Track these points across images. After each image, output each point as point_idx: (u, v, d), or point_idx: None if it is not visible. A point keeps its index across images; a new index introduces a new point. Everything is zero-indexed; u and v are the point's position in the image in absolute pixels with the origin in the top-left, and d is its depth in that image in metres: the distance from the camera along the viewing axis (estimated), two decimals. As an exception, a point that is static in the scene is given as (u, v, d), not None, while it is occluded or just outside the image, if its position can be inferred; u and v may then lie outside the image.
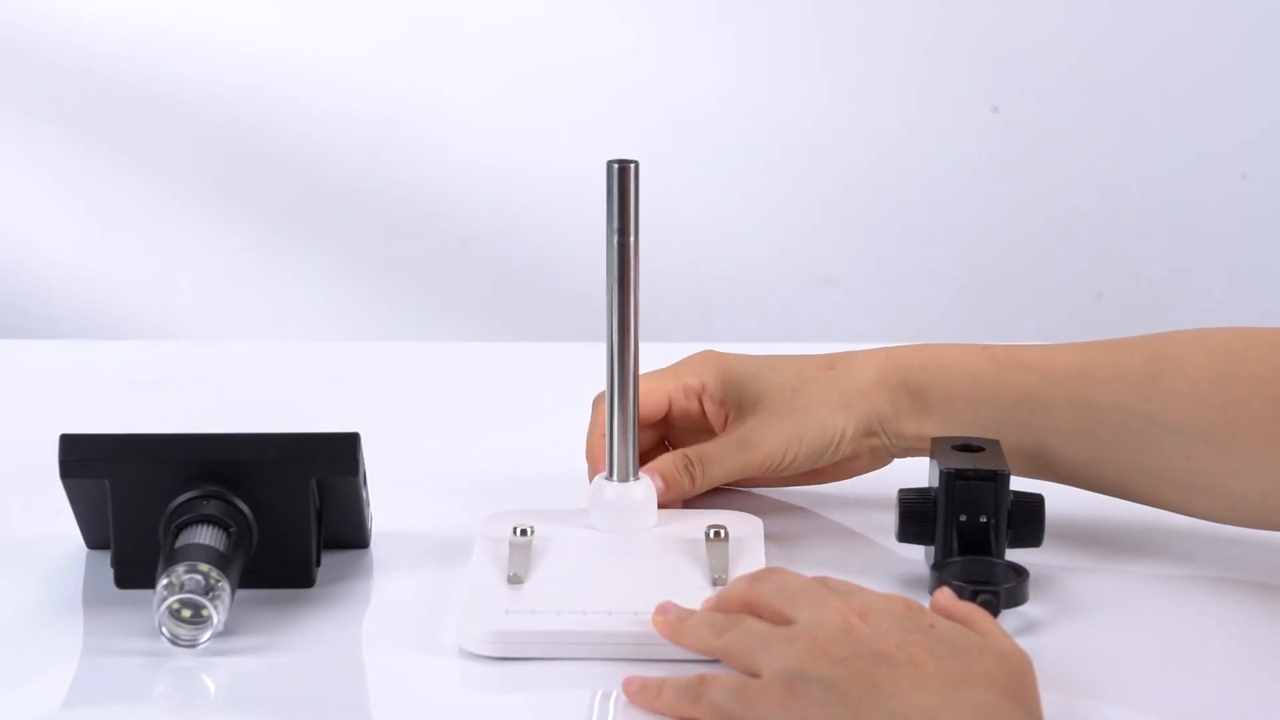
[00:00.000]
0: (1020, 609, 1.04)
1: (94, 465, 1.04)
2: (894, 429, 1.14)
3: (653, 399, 1.15)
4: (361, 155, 2.88)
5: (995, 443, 1.10)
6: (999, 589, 1.02)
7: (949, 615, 0.95)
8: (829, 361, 1.16)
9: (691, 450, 1.14)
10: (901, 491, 1.08)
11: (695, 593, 1.02)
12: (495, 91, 2.86)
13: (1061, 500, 1.13)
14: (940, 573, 1.04)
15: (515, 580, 1.04)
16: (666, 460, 1.14)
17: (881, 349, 1.16)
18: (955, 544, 1.06)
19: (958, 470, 1.06)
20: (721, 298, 2.84)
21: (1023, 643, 0.95)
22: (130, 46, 2.86)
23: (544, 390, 1.45)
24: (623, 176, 1.06)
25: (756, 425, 1.14)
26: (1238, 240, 2.88)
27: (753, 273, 2.86)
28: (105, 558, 1.07)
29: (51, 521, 1.12)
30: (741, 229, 2.85)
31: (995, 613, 1.01)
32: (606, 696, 0.96)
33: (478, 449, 1.32)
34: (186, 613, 0.98)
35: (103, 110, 2.87)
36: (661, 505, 1.12)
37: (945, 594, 0.98)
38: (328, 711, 0.96)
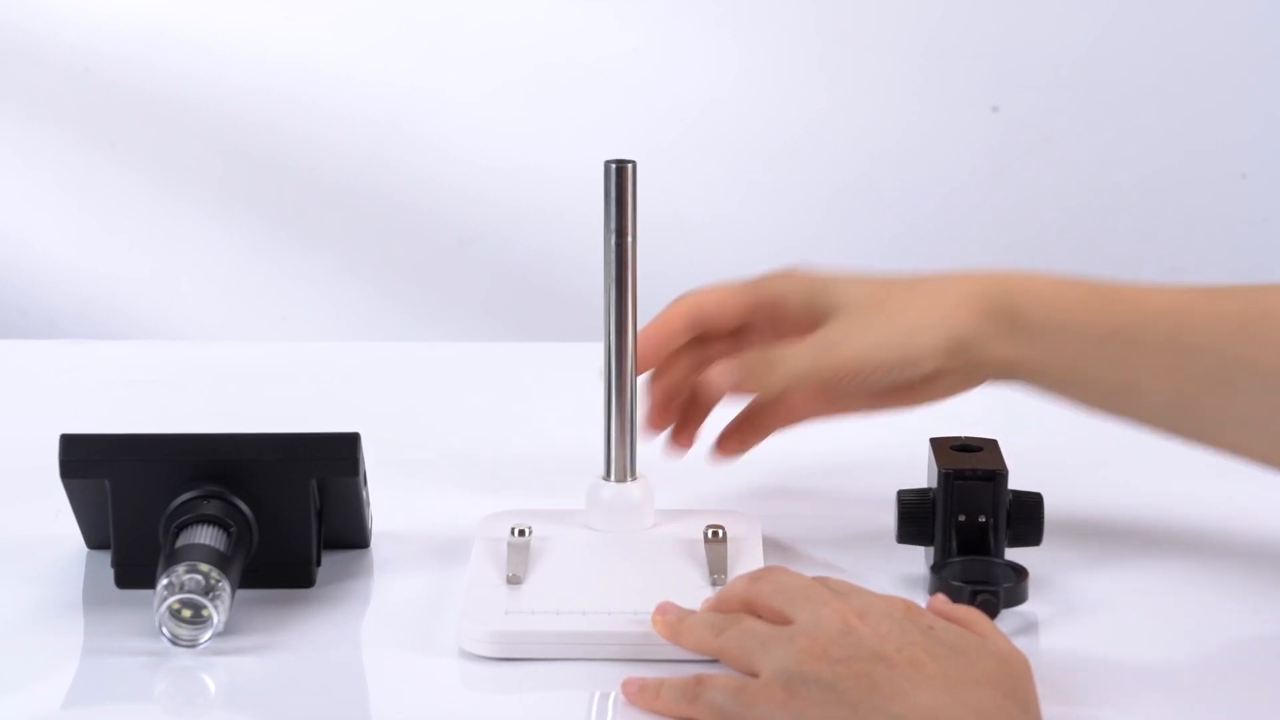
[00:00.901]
0: (1020, 609, 1.04)
1: (94, 465, 1.04)
2: (982, 349, 1.10)
3: (728, 309, 1.12)
4: (361, 155, 2.88)
5: (993, 442, 1.10)
6: (998, 589, 1.02)
7: (947, 617, 0.95)
8: (915, 280, 1.12)
9: (770, 350, 1.11)
10: (900, 492, 1.08)
11: (693, 593, 1.02)
12: (495, 91, 2.86)
13: (1062, 500, 1.13)
14: (940, 573, 1.04)
15: (514, 581, 1.04)
16: (739, 359, 1.10)
17: (970, 272, 1.13)
18: (954, 544, 1.06)
19: (956, 470, 1.06)
20: (721, 298, 2.84)
21: (1022, 643, 0.95)
22: (130, 46, 2.86)
23: (544, 390, 1.45)
24: (620, 177, 1.06)
25: (839, 328, 1.10)
26: (1237, 240, 2.88)
27: (752, 273, 2.86)
28: (105, 558, 1.07)
29: (51, 521, 1.12)
30: (741, 229, 2.85)
31: (995, 613, 1.01)
32: (606, 696, 0.96)
33: (478, 449, 1.32)
34: (187, 613, 0.99)
35: (103, 110, 2.87)
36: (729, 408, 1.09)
37: (941, 598, 0.98)
38: (328, 711, 0.96)
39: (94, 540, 1.10)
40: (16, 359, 1.56)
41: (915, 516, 1.07)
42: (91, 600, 1.06)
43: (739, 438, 1.17)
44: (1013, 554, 1.06)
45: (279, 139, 2.88)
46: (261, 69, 2.86)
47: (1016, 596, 1.03)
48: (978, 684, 0.89)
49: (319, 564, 1.08)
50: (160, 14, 2.86)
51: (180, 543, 1.01)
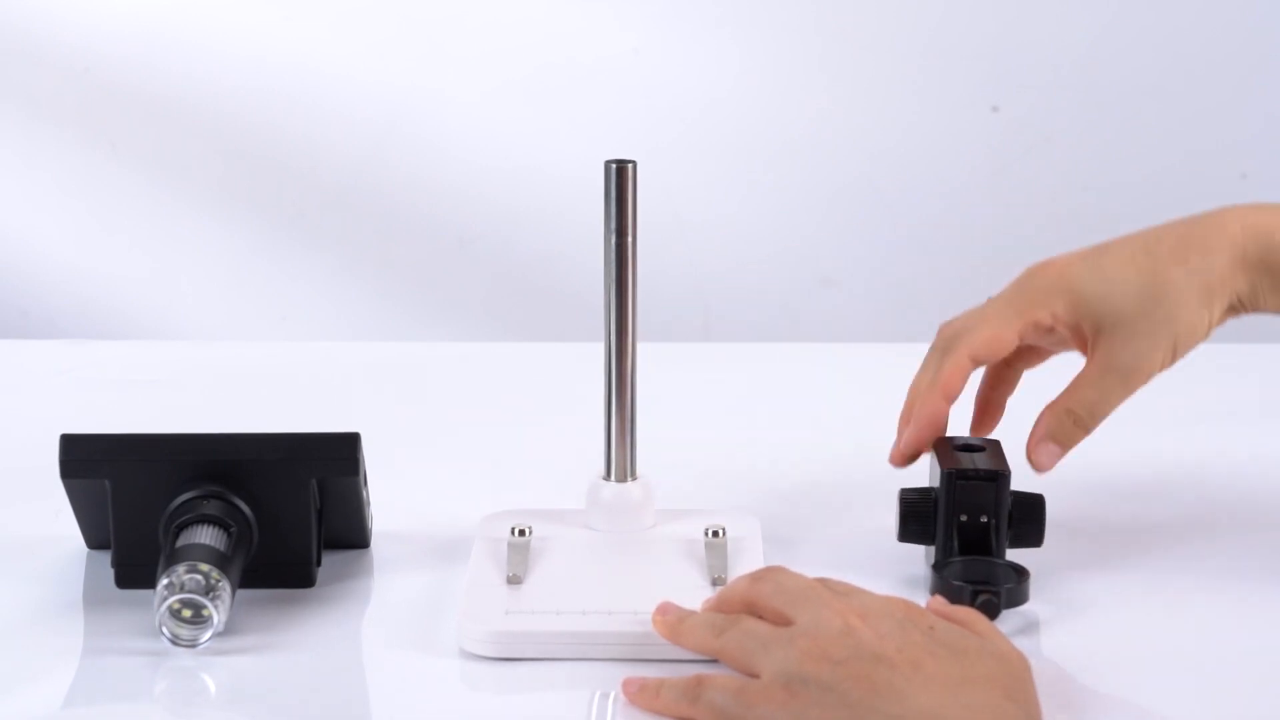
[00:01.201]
0: (1021, 609, 1.04)
1: (94, 465, 1.04)
2: (1253, 305, 1.08)
3: (1002, 341, 1.09)
4: (361, 155, 2.88)
5: (996, 442, 1.10)
6: (1000, 589, 1.02)
7: (947, 617, 0.95)
8: (1182, 249, 1.08)
9: (1074, 403, 1.08)
10: (902, 491, 1.08)
11: (694, 593, 1.02)
12: (495, 91, 2.86)
13: (1063, 501, 1.13)
14: (941, 573, 1.04)
15: (514, 580, 1.04)
16: (1053, 422, 1.08)
17: (1235, 213, 1.09)
18: (955, 544, 1.06)
19: (959, 471, 1.06)
20: (721, 298, 2.84)
21: (1022, 643, 0.95)
22: (130, 46, 2.86)
23: (544, 390, 1.45)
24: (620, 177, 1.06)
25: (1129, 350, 1.07)
26: (1237, 240, 2.88)
27: (753, 273, 2.86)
28: (105, 558, 1.07)
29: (51, 521, 1.12)
30: (741, 229, 2.85)
31: (996, 613, 1.01)
32: (606, 696, 0.96)
33: (478, 449, 1.32)
34: (187, 613, 0.99)
35: (103, 110, 2.87)
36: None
37: (940, 599, 0.98)
38: (328, 711, 0.96)
39: (94, 540, 1.10)
40: (16, 359, 1.56)
41: (917, 516, 1.07)
42: (91, 600, 1.06)
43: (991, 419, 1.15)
44: (1013, 554, 1.06)
45: (279, 139, 2.88)
46: (261, 69, 2.86)
47: (1017, 597, 1.03)
48: (978, 684, 0.89)
49: (319, 564, 1.08)
50: (160, 14, 2.86)
51: (180, 543, 1.01)
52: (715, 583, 1.04)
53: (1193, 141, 2.85)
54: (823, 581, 0.98)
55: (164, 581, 0.98)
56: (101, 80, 2.86)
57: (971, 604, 0.99)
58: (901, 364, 1.54)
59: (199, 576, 0.99)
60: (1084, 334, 1.08)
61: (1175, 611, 1.06)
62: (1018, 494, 1.07)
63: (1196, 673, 1.00)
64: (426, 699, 0.97)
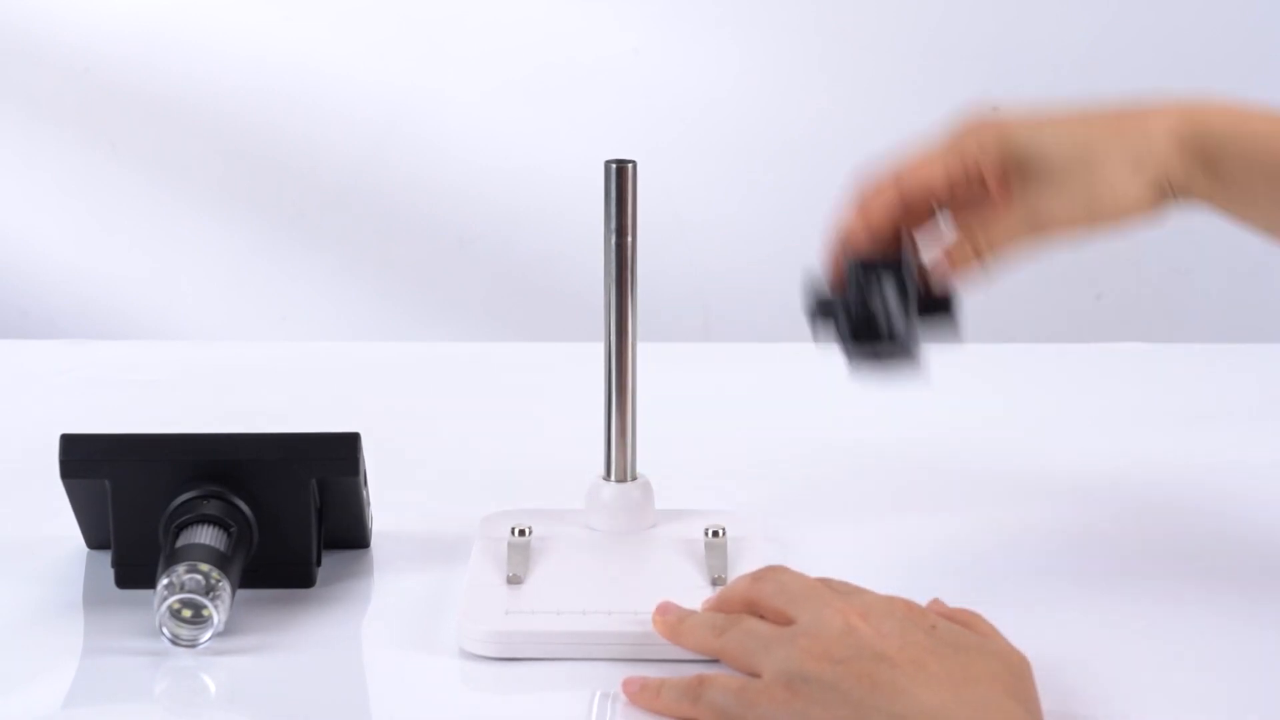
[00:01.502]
0: (1020, 611, 1.04)
1: (94, 465, 1.04)
2: (1184, 191, 1.07)
3: (928, 174, 1.09)
4: (361, 155, 2.88)
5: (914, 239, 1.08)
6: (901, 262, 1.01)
7: (948, 617, 0.95)
8: (1118, 121, 1.08)
9: (981, 234, 1.07)
10: (812, 284, 1.07)
11: (694, 592, 1.02)
12: (495, 91, 2.86)
13: (1062, 500, 1.13)
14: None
15: (514, 580, 1.04)
16: (953, 246, 1.08)
17: (1175, 99, 1.09)
18: (858, 324, 1.05)
19: (864, 260, 1.05)
20: (721, 298, 2.84)
21: (1021, 643, 0.95)
22: (130, 46, 2.86)
23: (544, 390, 1.45)
24: (620, 177, 1.06)
25: (1043, 199, 1.07)
26: (1238, 240, 2.87)
27: (753, 273, 2.86)
28: (105, 558, 1.07)
29: (51, 521, 1.12)
30: (741, 229, 2.85)
31: (903, 295, 1.01)
32: (606, 696, 0.96)
33: (478, 449, 1.32)
34: (187, 613, 0.98)
35: (103, 110, 2.87)
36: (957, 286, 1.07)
37: (940, 601, 0.98)
38: (328, 711, 0.96)
39: (94, 540, 1.10)
40: (16, 359, 1.56)
41: (824, 308, 1.06)
42: (91, 600, 1.06)
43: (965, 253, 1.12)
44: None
45: (279, 139, 2.88)
46: (261, 69, 2.86)
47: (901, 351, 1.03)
48: (979, 683, 0.89)
49: (319, 564, 1.08)
50: (160, 14, 2.86)
51: (180, 543, 1.01)
52: (715, 583, 1.04)
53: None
54: (824, 581, 0.98)
55: (164, 581, 0.98)
56: (101, 80, 2.86)
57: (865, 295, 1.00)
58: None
59: (199, 576, 0.99)
60: (1008, 182, 1.07)
61: (1176, 612, 1.06)
62: (930, 289, 1.06)
63: (1197, 672, 1.00)
64: (426, 699, 0.97)
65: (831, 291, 1.06)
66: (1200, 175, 1.06)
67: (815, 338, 1.06)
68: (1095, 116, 1.09)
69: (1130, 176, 1.06)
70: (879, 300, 1.04)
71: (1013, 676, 0.91)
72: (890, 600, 0.95)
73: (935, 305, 1.06)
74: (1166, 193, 1.07)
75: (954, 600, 0.99)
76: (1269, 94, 2.96)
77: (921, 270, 1.06)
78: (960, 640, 0.92)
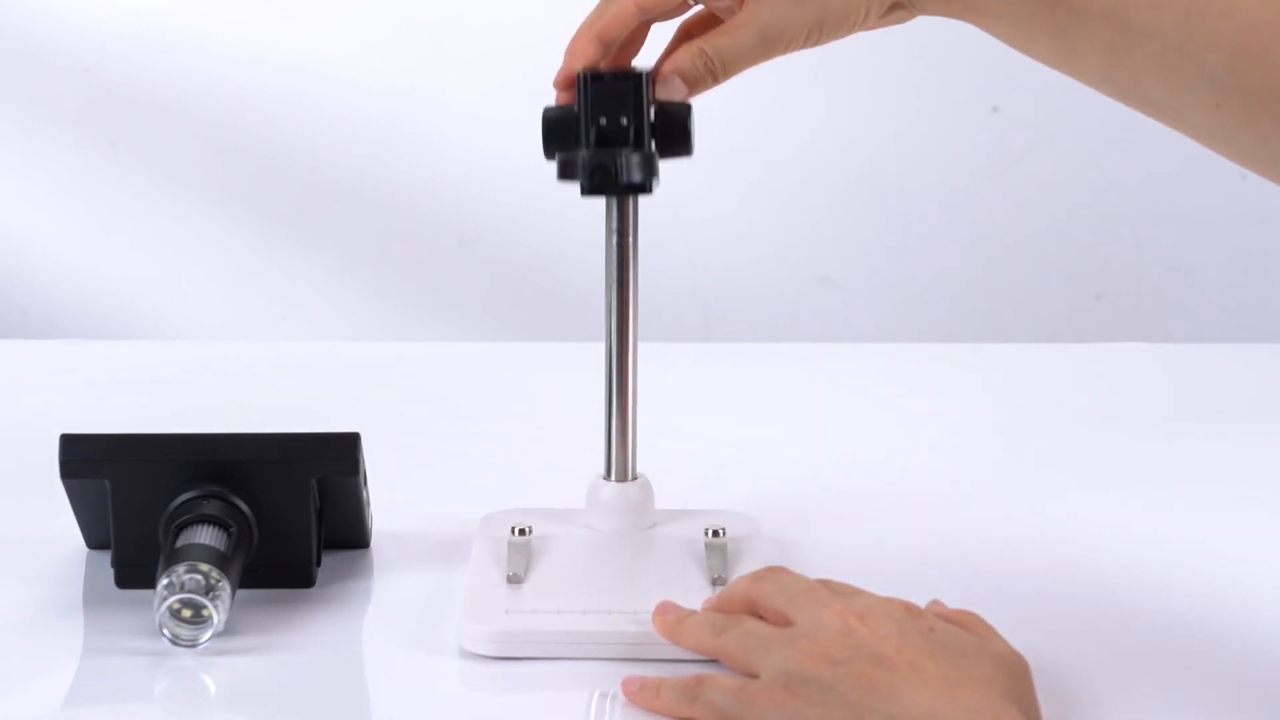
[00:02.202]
0: (1021, 615, 1.04)
1: (94, 465, 1.04)
2: (919, 5, 1.07)
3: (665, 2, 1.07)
4: (361, 155, 2.88)
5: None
6: (620, 154, 1.00)
7: (947, 619, 0.95)
8: None
9: (708, 45, 1.06)
10: (545, 109, 1.05)
11: (694, 593, 1.02)
12: (495, 91, 2.86)
13: (1059, 500, 1.13)
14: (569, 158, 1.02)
15: (515, 580, 1.04)
16: (684, 58, 1.06)
17: None
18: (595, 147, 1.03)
19: (594, 72, 1.03)
20: (721, 298, 2.84)
21: (1021, 644, 0.95)
22: (130, 46, 2.86)
23: (544, 390, 1.45)
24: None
25: (774, 11, 1.05)
26: (1238, 240, 2.88)
27: (753, 273, 2.86)
28: (105, 558, 1.07)
29: (51, 521, 1.12)
30: (741, 229, 2.85)
31: (612, 179, 1.00)
32: (606, 696, 0.96)
33: (478, 449, 1.32)
34: (187, 613, 0.99)
35: (103, 110, 2.87)
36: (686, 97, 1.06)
37: (939, 602, 0.98)
38: (328, 711, 0.96)
39: (94, 540, 1.10)
40: (16, 359, 1.56)
41: (558, 128, 1.04)
42: (91, 600, 1.06)
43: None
44: (666, 166, 1.05)
45: (279, 139, 2.88)
46: (261, 69, 2.86)
47: (641, 168, 1.02)
48: (977, 685, 0.89)
49: (319, 564, 1.08)
50: (160, 14, 2.86)
51: (180, 543, 1.01)
52: (715, 583, 1.04)
53: (1193, 142, 2.85)
54: (823, 582, 0.98)
55: (164, 581, 0.98)
56: (101, 80, 2.86)
57: (587, 173, 0.99)
58: (902, 364, 1.54)
59: (199, 576, 0.99)
60: None
61: (1175, 615, 1.06)
62: (663, 102, 1.05)
63: (1196, 670, 1.00)
64: (426, 699, 0.97)
65: (565, 110, 1.04)
66: None
67: (547, 156, 1.05)
68: None
69: None
70: (615, 113, 1.03)
71: (1010, 678, 0.91)
72: (889, 601, 0.95)
73: (669, 120, 1.04)
74: (901, 6, 1.07)
75: (954, 602, 0.99)
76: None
77: (652, 82, 1.05)
78: (958, 642, 0.92)
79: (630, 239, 1.07)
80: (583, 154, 1.01)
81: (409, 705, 0.97)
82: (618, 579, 1.05)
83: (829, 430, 1.37)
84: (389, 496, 1.16)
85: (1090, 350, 1.57)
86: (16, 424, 1.36)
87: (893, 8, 1.07)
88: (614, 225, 1.07)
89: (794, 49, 1.06)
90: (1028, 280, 2.89)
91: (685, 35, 1.11)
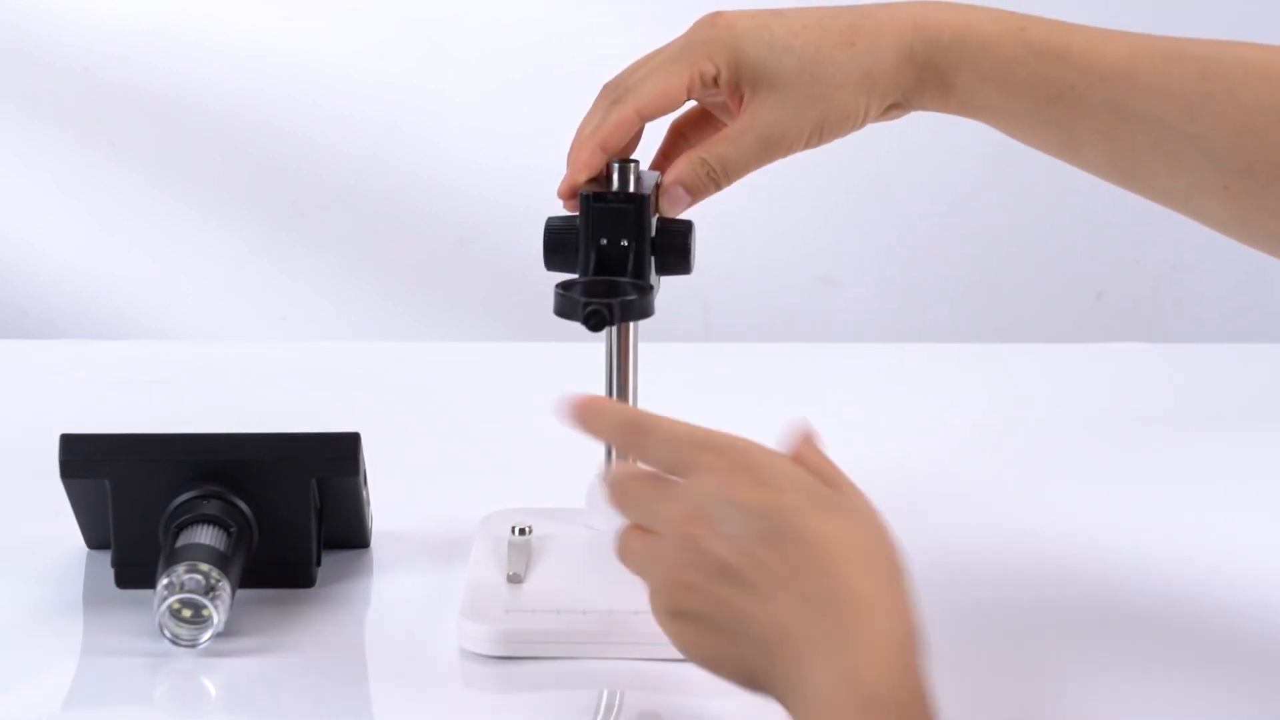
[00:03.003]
0: (1015, 608, 1.04)
1: (94, 465, 1.04)
2: (916, 103, 1.05)
3: (669, 96, 1.05)
4: (361, 155, 2.88)
5: (652, 175, 1.07)
6: (613, 302, 0.99)
7: (802, 462, 0.89)
8: (850, 33, 1.04)
9: (710, 154, 1.06)
10: (548, 220, 1.05)
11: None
12: (495, 91, 2.86)
13: (1054, 499, 1.13)
14: (566, 290, 1.01)
15: (515, 580, 1.04)
16: (686, 169, 1.06)
17: (908, 8, 1.05)
18: (594, 268, 1.03)
19: (596, 194, 1.03)
20: (721, 298, 2.84)
21: (1021, 645, 0.94)
22: (130, 46, 2.86)
23: (544, 390, 1.44)
24: (622, 176, 1.05)
25: (775, 117, 1.05)
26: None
27: (753, 273, 2.86)
28: (105, 558, 1.07)
29: (51, 521, 1.12)
30: (741, 229, 2.85)
31: (603, 324, 0.99)
32: (606, 696, 0.96)
33: (478, 449, 1.32)
34: (187, 613, 0.98)
35: (103, 110, 2.87)
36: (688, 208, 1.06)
37: (807, 442, 0.91)
38: (328, 711, 0.96)
39: (94, 540, 1.10)
40: (16, 359, 1.55)
41: (559, 244, 1.04)
42: (91, 600, 1.06)
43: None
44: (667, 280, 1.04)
45: (279, 139, 2.88)
46: (261, 69, 2.86)
47: (636, 310, 1.01)
48: (829, 571, 0.83)
49: (319, 564, 1.08)
50: (160, 14, 2.86)
51: (180, 543, 1.01)
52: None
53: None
54: (691, 444, 0.89)
55: (164, 581, 0.98)
56: (101, 80, 2.86)
57: (581, 316, 0.98)
58: (902, 364, 1.54)
59: (199, 576, 0.99)
60: (742, 91, 1.05)
61: (1175, 612, 1.06)
62: (666, 221, 1.05)
63: (1195, 666, 1.00)
64: (426, 699, 0.97)
65: (568, 222, 1.04)
66: (933, 87, 1.04)
67: (548, 267, 1.05)
68: (831, 22, 1.05)
69: (861, 94, 1.04)
70: (616, 235, 1.03)
71: (867, 542, 0.86)
72: (731, 477, 0.86)
73: (670, 239, 1.05)
74: (896, 102, 1.05)
75: (954, 605, 0.99)
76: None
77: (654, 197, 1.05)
78: (805, 522, 0.85)
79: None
80: (579, 295, 1.00)
81: (409, 705, 0.97)
82: (618, 579, 1.05)
83: (829, 430, 1.36)
84: (389, 496, 1.15)
85: (1090, 350, 1.57)
86: (16, 424, 1.36)
87: (891, 106, 1.06)
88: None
89: (795, 151, 1.06)
90: (1028, 280, 2.88)
91: (677, 134, 1.11)
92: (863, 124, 1.06)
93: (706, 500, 0.86)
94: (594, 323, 0.98)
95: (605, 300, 0.99)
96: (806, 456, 0.90)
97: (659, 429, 0.90)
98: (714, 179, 1.06)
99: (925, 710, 0.81)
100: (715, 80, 1.05)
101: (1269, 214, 1.00)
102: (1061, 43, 1.03)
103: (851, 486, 0.89)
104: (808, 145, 1.06)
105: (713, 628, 0.85)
